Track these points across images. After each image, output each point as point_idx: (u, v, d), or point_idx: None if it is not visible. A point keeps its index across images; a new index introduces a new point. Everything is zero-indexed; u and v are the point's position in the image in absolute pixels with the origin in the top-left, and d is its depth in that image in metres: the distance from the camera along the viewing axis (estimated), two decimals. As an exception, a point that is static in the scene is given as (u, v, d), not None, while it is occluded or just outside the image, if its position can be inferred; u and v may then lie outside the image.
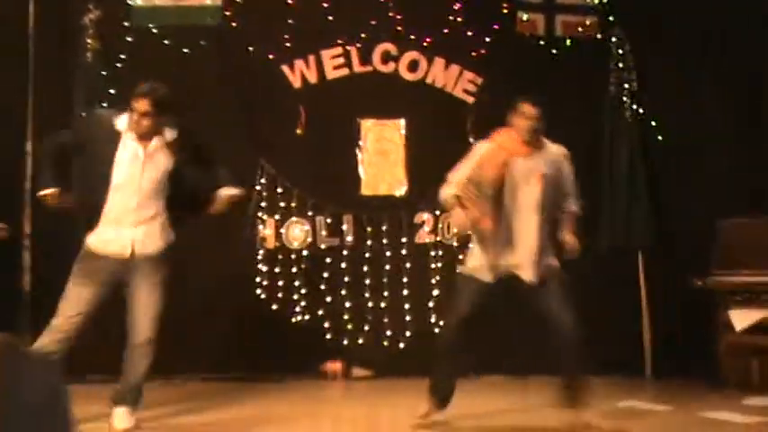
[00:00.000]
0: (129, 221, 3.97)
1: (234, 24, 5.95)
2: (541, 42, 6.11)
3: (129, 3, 5.93)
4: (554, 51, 6.10)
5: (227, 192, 4.19)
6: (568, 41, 6.13)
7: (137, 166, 3.96)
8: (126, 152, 3.96)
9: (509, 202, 3.96)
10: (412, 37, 6.02)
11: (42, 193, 4.04)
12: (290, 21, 5.94)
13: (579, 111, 6.03)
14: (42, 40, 5.88)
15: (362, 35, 6.00)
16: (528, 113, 4.03)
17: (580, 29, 6.14)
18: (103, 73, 5.81)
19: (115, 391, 4.08)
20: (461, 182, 4.04)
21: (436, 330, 5.80)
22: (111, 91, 5.84)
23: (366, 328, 5.88)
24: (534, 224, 3.94)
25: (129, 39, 5.89)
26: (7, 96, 5.72)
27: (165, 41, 5.90)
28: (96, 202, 3.96)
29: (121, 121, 4.01)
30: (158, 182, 4.01)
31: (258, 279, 5.86)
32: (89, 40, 5.79)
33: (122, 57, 5.87)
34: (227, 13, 5.95)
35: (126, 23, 5.90)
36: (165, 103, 4.00)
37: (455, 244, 5.90)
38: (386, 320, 5.85)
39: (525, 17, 6.09)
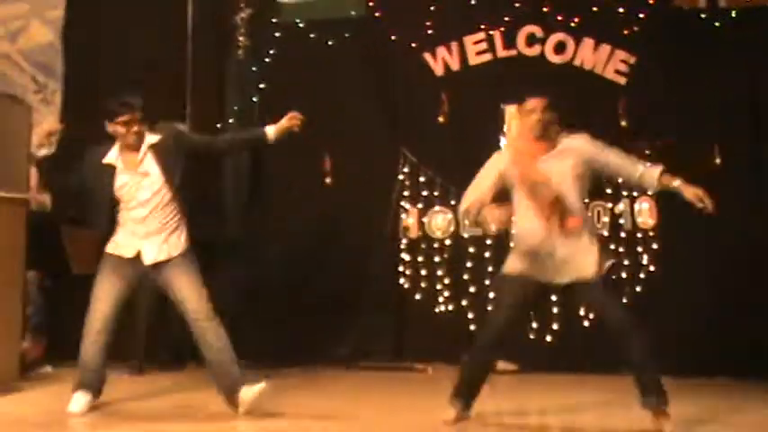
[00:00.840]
0: (140, 233, 4.10)
1: (377, 14, 5.99)
2: (702, 15, 5.64)
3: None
4: (717, 25, 5.61)
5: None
6: (734, 13, 5.61)
7: (135, 179, 4.09)
8: (122, 172, 4.11)
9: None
10: (558, 18, 5.77)
11: None
12: (431, 8, 5.89)
13: (747, 89, 5.53)
14: (200, 41, 6.22)
15: (506, 18, 5.84)
16: (532, 107, 3.76)
17: (748, -1, 5.61)
18: (254, 69, 6.06)
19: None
20: (474, 206, 3.83)
21: (585, 324, 5.57)
22: (261, 86, 6.09)
23: (511, 320, 5.70)
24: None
25: (277, 34, 6.08)
26: (166, 97, 6.11)
27: (311, 35, 6.05)
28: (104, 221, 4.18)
29: (111, 153, 4.15)
30: (161, 192, 4.09)
31: (401, 269, 5.87)
32: (240, 38, 6.06)
33: (271, 52, 6.09)
34: (371, 4, 6.00)
35: (274, 20, 6.10)
36: (140, 107, 4.13)
37: (605, 233, 5.60)
38: (531, 313, 5.65)
39: (684, -11, 5.65)
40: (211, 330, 4.02)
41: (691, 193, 3.71)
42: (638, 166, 3.77)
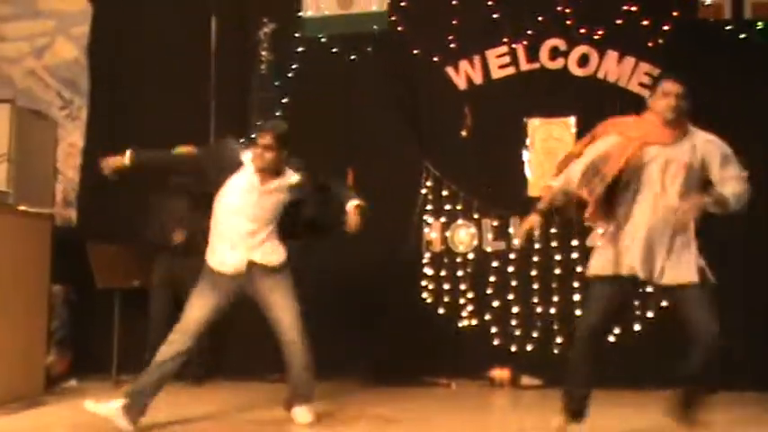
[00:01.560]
0: (243, 246, 4.14)
1: (399, 29, 6.00)
2: (728, 27, 5.59)
3: (301, 14, 6.16)
4: (743, 36, 5.56)
5: (352, 203, 4.29)
6: (760, 24, 5.56)
7: (253, 196, 4.14)
8: (244, 180, 4.15)
9: (643, 195, 3.59)
10: (582, 30, 5.74)
11: None
12: (454, 22, 5.89)
13: (774, 101, 5.48)
14: (223, 56, 6.26)
15: (529, 32, 5.81)
16: (669, 90, 3.64)
17: (774, 10, 5.55)
18: (276, 83, 6.09)
19: (289, 393, 4.32)
20: (573, 177, 3.70)
21: (610, 338, 5.50)
22: (284, 100, 6.11)
23: (535, 334, 5.67)
24: (671, 220, 3.54)
25: (300, 49, 6.11)
26: (191, 111, 6.16)
27: (333, 50, 6.07)
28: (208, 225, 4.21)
29: (247, 155, 4.20)
30: (272, 211, 4.19)
31: (424, 283, 5.85)
32: (263, 53, 6.09)
33: (294, 67, 6.11)
34: (393, 19, 6.01)
35: (297, 34, 6.13)
36: (285, 139, 4.16)
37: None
38: (555, 327, 5.61)
39: (708, 1, 5.61)
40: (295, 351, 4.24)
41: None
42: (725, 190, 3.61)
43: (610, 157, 3.64)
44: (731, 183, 3.62)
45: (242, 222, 4.14)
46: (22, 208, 4.89)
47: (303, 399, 4.30)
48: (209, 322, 4.10)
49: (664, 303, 5.46)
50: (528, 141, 5.80)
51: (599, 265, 3.70)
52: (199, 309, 4.09)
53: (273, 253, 4.23)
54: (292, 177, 4.24)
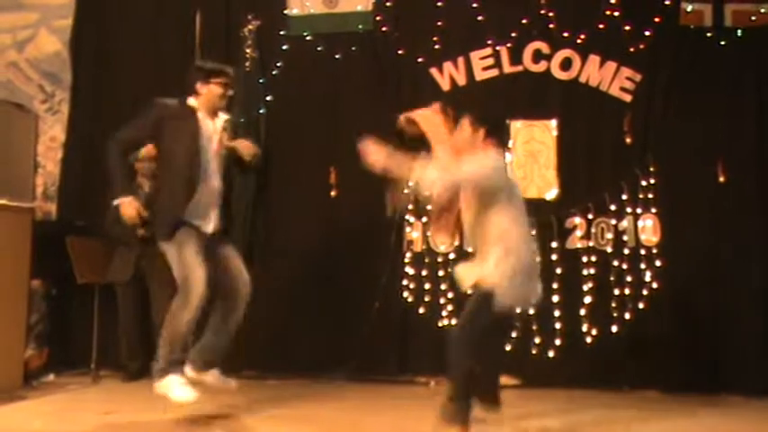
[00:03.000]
0: (214, 202, 4.15)
1: (384, 29, 6.02)
2: (709, 34, 5.67)
3: (286, 12, 6.16)
4: (723, 43, 5.64)
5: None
6: (739, 32, 5.64)
7: (213, 144, 4.15)
8: (205, 131, 4.13)
9: None
10: (565, 34, 5.79)
11: (119, 201, 4.17)
12: (438, 23, 5.92)
13: (752, 107, 5.56)
14: (207, 53, 6.23)
15: (513, 34, 5.85)
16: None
17: (753, 18, 5.63)
18: (261, 81, 6.09)
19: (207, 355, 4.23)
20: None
21: (588, 340, 5.58)
22: (268, 98, 6.12)
23: (514, 334, 5.70)
24: None
25: (285, 47, 6.11)
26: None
27: (318, 48, 6.08)
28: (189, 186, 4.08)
29: (191, 101, 4.18)
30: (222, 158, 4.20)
31: (405, 282, 5.87)
32: (248, 50, 6.08)
33: (278, 64, 6.11)
34: (378, 19, 6.03)
35: (282, 32, 6.13)
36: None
37: (609, 250, 5.61)
38: (534, 328, 5.65)
39: (690, 8, 5.67)
40: (240, 312, 4.17)
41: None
42: None
43: None
44: None
45: (214, 181, 4.15)
46: (2, 202, 4.87)
47: (215, 363, 4.25)
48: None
49: (641, 306, 5.56)
50: (510, 143, 5.85)
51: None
52: (201, 266, 4.01)
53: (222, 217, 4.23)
54: (221, 115, 4.25)
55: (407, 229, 5.92)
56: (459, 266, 4.04)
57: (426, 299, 5.84)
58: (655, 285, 5.55)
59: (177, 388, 3.96)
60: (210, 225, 4.16)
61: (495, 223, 3.75)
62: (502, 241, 3.72)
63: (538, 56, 5.84)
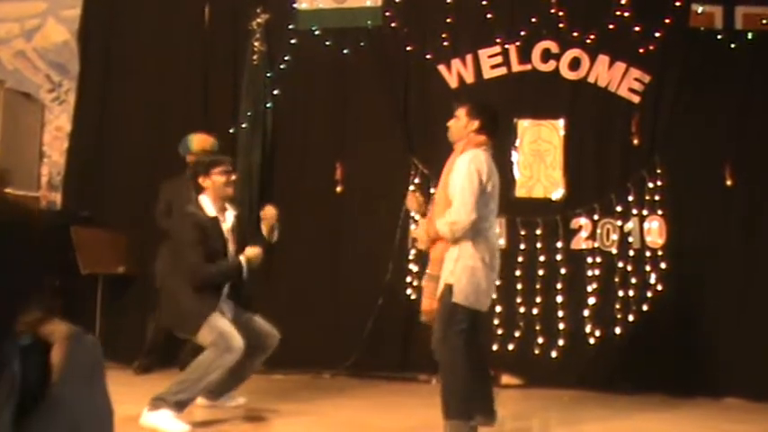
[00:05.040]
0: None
1: (393, 25, 6.00)
2: (719, 37, 5.63)
3: (295, 6, 6.14)
4: (733, 46, 5.61)
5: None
6: (750, 35, 5.61)
7: (230, 242, 4.37)
8: (222, 225, 4.35)
9: None
10: (574, 34, 5.76)
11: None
12: (447, 20, 5.90)
13: (760, 110, 5.53)
14: (215, 46, 6.24)
15: (522, 33, 5.82)
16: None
17: (764, 21, 5.59)
18: (268, 74, 6.07)
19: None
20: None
21: (591, 341, 5.56)
22: (275, 92, 6.10)
23: (517, 334, 5.70)
24: None
25: (293, 41, 6.09)
26: (181, 99, 6.13)
27: (327, 43, 6.06)
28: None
29: (208, 207, 4.30)
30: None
31: (409, 279, 5.85)
32: (256, 44, 6.07)
33: (286, 58, 6.10)
34: (387, 15, 6.01)
35: (291, 26, 6.11)
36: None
37: (614, 251, 5.60)
38: (537, 328, 5.64)
39: (700, 9, 5.63)
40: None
41: None
42: None
43: None
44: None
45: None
46: (6, 190, 4.85)
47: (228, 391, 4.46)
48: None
49: (645, 308, 5.54)
50: (517, 142, 5.83)
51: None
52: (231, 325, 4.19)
53: None
54: (229, 208, 4.42)
55: (412, 227, 5.89)
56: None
57: (430, 296, 5.82)
58: (659, 288, 5.53)
59: (171, 421, 3.97)
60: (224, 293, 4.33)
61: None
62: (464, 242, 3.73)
63: (547, 55, 5.81)
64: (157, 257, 5.39)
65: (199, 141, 5.48)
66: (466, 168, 3.76)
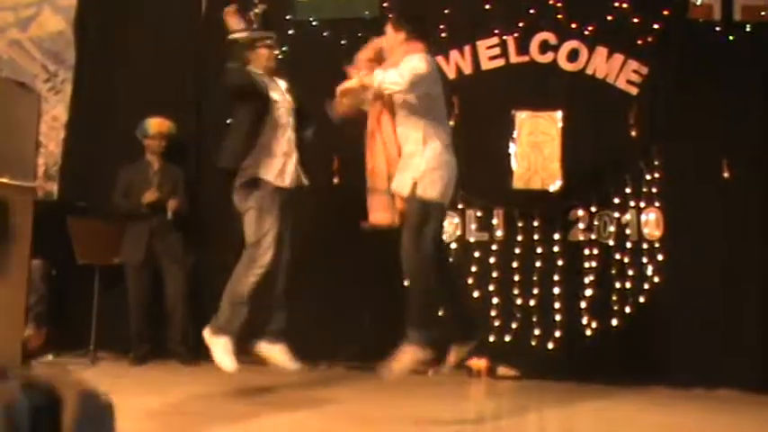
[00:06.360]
0: (295, 157, 4.39)
1: (390, 16, 5.95)
2: (717, 28, 5.62)
3: (293, -4, 6.12)
4: (731, 38, 5.60)
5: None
6: (749, 27, 5.60)
7: (286, 101, 4.44)
8: (273, 87, 4.43)
9: None
10: (573, 25, 5.75)
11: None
12: (445, 11, 5.88)
13: (759, 103, 5.53)
14: (212, 36, 6.19)
15: (520, 24, 5.81)
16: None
17: (763, 13, 5.59)
18: (266, 65, 6.03)
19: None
20: None
21: (588, 333, 5.57)
22: (273, 82, 6.06)
23: (513, 325, 5.70)
24: None
25: (291, 32, 6.07)
26: (177, 88, 6.10)
27: (324, 33, 6.04)
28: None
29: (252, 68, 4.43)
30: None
31: (406, 270, 5.84)
32: (254, 34, 6.02)
33: (283, 49, 6.06)
34: (385, 5, 5.98)
35: (288, 17, 6.08)
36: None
37: (611, 243, 5.60)
38: (534, 319, 5.65)
39: (699, 1, 5.63)
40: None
41: None
42: None
43: None
44: None
45: (289, 132, 4.39)
46: (3, 180, 4.83)
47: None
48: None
49: (642, 299, 5.54)
50: (515, 134, 5.81)
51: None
52: (273, 227, 4.17)
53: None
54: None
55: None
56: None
57: (427, 288, 5.81)
58: (656, 279, 5.54)
59: (223, 353, 4.06)
60: (287, 179, 4.31)
61: (417, 128, 3.95)
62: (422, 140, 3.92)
63: (545, 46, 5.80)
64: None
65: (156, 124, 5.74)
66: (416, 58, 3.90)
